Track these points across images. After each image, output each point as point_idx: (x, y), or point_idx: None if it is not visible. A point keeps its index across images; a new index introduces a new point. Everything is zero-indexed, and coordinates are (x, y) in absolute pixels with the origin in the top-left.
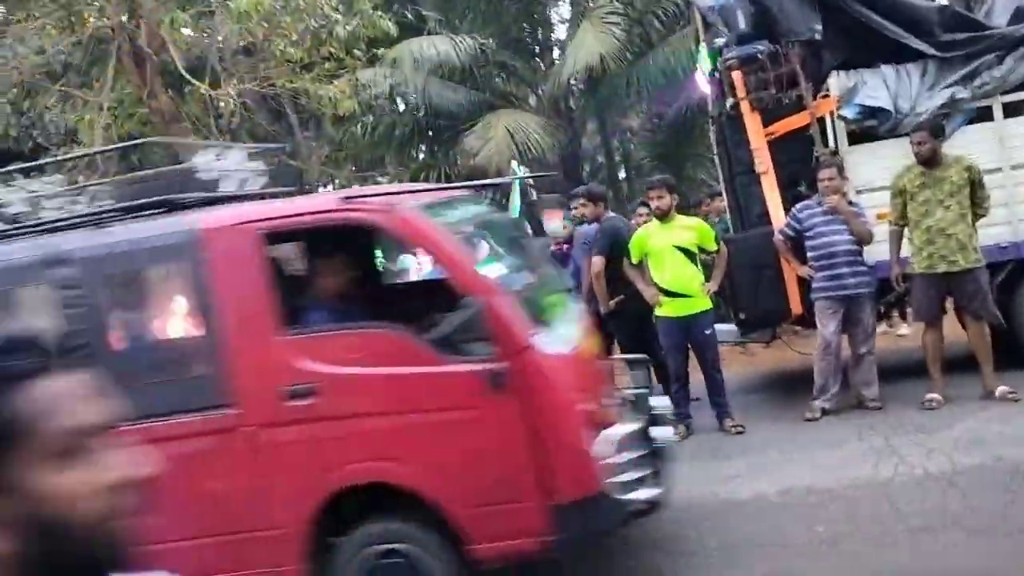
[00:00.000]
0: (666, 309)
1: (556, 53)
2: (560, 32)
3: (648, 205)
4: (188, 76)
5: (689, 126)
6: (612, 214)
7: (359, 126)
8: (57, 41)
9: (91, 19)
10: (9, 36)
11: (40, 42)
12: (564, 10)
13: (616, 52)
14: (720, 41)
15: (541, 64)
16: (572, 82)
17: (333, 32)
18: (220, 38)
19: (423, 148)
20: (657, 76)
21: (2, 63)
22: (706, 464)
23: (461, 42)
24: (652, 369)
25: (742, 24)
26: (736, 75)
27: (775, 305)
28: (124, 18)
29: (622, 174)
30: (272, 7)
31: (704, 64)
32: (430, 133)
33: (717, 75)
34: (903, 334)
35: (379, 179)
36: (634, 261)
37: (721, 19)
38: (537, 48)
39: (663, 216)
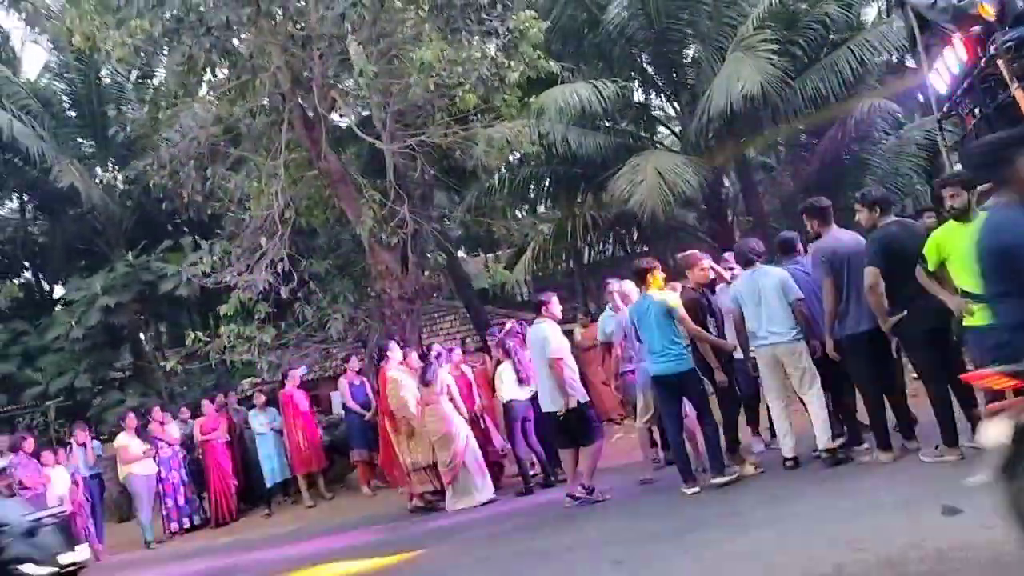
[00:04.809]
0: (979, 318)
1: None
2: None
3: (934, 210)
4: (361, 132)
5: (843, 153)
6: (892, 218)
7: (496, 178)
8: (232, 111)
9: (262, 88)
10: (184, 108)
11: (215, 111)
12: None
13: (775, 80)
14: (976, 30)
15: (676, 104)
16: (711, 119)
17: (505, 79)
18: (393, 93)
19: (563, 197)
20: (803, 105)
21: (187, 131)
22: None
23: (604, 88)
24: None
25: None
26: (1002, 62)
27: None
28: (292, 85)
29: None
30: (450, 57)
31: (951, 60)
32: (567, 181)
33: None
34: None
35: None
36: (931, 268)
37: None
38: (670, 89)
39: (961, 216)
